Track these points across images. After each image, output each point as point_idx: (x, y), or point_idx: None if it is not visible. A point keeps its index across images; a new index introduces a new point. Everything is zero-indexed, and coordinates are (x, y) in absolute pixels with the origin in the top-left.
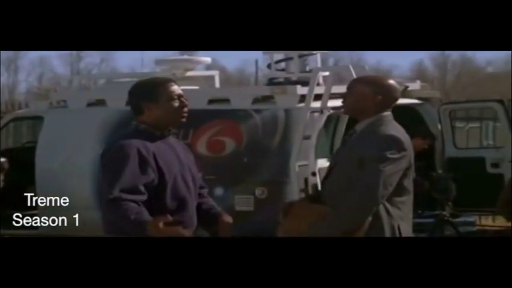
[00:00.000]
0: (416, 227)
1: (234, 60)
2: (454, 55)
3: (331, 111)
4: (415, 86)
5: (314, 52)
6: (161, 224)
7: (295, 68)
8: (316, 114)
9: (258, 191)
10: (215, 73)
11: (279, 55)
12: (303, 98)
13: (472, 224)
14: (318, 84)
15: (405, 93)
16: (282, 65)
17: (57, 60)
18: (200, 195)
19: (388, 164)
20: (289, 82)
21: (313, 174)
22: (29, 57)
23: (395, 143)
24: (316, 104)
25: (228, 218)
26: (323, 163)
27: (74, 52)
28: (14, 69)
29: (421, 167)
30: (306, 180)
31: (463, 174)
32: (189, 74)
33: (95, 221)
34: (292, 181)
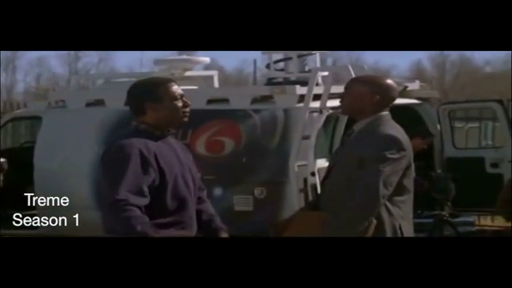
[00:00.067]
0: (416, 227)
1: (232, 60)
2: (453, 55)
3: (330, 111)
4: (414, 86)
5: (313, 52)
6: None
7: (294, 68)
8: (315, 114)
9: (257, 191)
10: (214, 73)
11: (278, 55)
12: (302, 98)
13: (471, 224)
14: (317, 84)
15: (404, 93)
16: (281, 65)
17: (55, 60)
18: (199, 199)
19: (388, 164)
20: (288, 82)
21: (313, 174)
22: (27, 57)
23: (395, 143)
24: (316, 104)
25: (226, 234)
26: (322, 163)
27: (72, 52)
28: (12, 69)
29: (420, 167)
30: (305, 180)
31: (462, 174)
32: (188, 74)
33: (95, 221)
34: (291, 181)
